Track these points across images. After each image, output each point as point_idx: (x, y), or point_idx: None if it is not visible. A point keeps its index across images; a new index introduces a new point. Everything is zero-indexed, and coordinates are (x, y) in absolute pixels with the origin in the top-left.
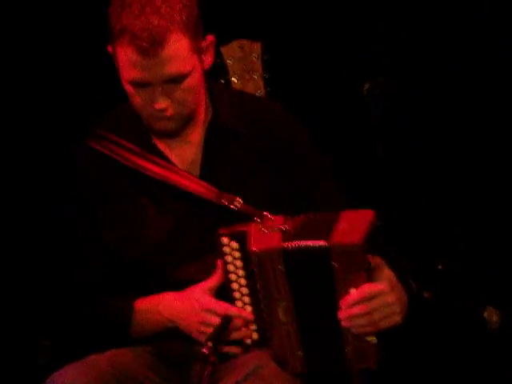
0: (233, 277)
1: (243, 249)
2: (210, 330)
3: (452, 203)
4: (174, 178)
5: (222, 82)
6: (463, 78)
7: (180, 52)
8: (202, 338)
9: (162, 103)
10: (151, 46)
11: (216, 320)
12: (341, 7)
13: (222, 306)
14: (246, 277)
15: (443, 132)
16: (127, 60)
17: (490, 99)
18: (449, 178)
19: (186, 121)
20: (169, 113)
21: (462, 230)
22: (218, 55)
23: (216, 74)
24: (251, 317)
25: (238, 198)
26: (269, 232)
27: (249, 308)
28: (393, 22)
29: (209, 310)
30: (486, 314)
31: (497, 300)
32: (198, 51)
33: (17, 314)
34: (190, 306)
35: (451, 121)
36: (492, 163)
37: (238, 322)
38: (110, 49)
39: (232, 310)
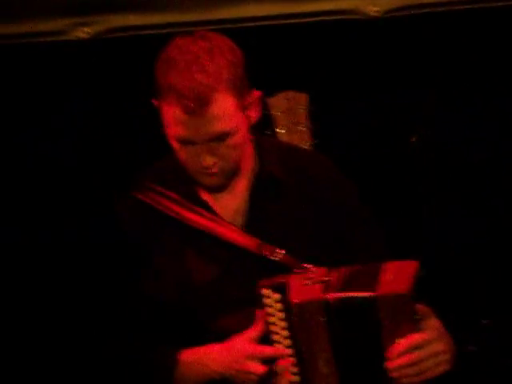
0: (274, 328)
1: (284, 300)
2: (254, 377)
3: (501, 255)
4: (217, 228)
5: (268, 133)
6: None
7: (226, 111)
8: None
9: (208, 161)
10: (197, 106)
11: (260, 367)
12: (389, 56)
13: (266, 351)
14: (288, 328)
15: (496, 183)
16: (173, 118)
17: None
18: (498, 232)
19: (232, 175)
20: (215, 169)
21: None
22: (265, 107)
23: (263, 126)
24: (292, 361)
25: (279, 250)
26: (310, 283)
27: (291, 359)
28: (441, 71)
29: (253, 357)
30: None
31: None
32: (244, 108)
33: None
34: (234, 357)
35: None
36: None
37: (280, 369)
38: (155, 103)
39: (268, 351)
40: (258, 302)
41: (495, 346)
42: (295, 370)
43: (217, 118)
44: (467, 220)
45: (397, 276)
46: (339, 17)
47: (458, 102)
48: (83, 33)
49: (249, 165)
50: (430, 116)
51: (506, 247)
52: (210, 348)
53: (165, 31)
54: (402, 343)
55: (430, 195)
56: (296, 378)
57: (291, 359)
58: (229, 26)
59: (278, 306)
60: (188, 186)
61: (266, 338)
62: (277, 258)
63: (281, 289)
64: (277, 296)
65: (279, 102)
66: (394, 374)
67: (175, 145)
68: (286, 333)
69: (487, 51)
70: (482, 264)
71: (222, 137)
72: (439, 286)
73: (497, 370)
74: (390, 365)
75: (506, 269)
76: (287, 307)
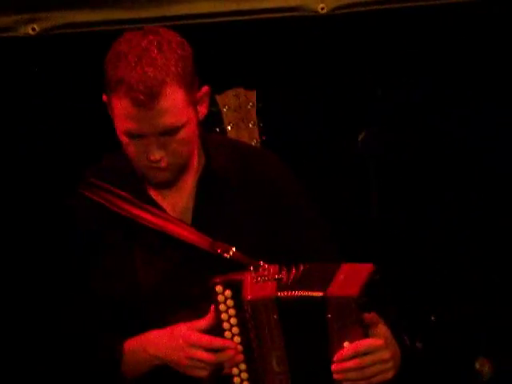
0: (226, 325)
1: (237, 298)
2: (198, 364)
3: (445, 253)
4: (167, 226)
5: (217, 130)
6: (461, 128)
7: (175, 104)
8: (194, 373)
9: (156, 155)
10: (147, 99)
11: (203, 354)
12: (337, 56)
13: (207, 340)
14: (240, 326)
15: (438, 180)
16: (122, 111)
17: (487, 146)
18: (443, 228)
19: (180, 171)
20: (163, 164)
21: (454, 280)
22: (213, 104)
23: (211, 123)
24: (238, 349)
25: (231, 247)
26: (264, 281)
27: (242, 357)
28: (388, 69)
29: (194, 345)
30: (477, 365)
31: (490, 351)
32: (193, 103)
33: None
34: (175, 342)
35: (447, 170)
36: (483, 209)
37: (229, 362)
38: (105, 98)
39: (217, 342)
40: (210, 299)
41: (442, 342)
42: (245, 366)
43: (166, 112)
44: (413, 217)
45: (350, 278)
46: (287, 14)
47: (404, 99)
48: (31, 29)
49: (196, 161)
50: (378, 113)
51: (453, 244)
52: (150, 334)
53: (112, 28)
54: (349, 347)
55: (378, 192)
56: (246, 375)
57: (242, 356)
58: (177, 23)
59: (231, 302)
60: (136, 184)
61: (218, 335)
62: (230, 256)
63: (234, 286)
64: (229, 293)
65: (228, 99)
66: (337, 377)
67: (124, 139)
68: (237, 330)
69: (433, 47)
70: (428, 260)
71: (171, 131)
72: (387, 283)
73: (443, 366)
74: (335, 367)
75: (452, 266)
76: (240, 304)
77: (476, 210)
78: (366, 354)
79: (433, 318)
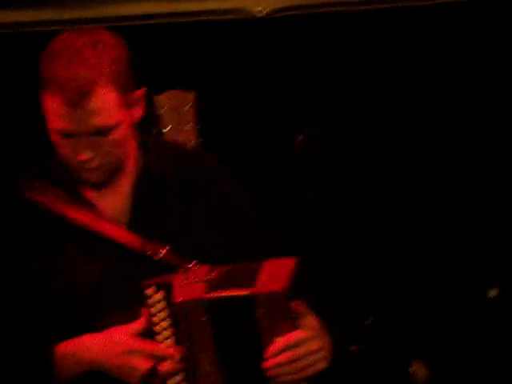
0: (158, 328)
1: (167, 300)
2: (135, 372)
3: (382, 255)
4: (99, 227)
5: (155, 132)
6: (400, 130)
7: (107, 105)
8: (130, 380)
9: (85, 155)
10: (78, 98)
11: (142, 362)
12: (275, 58)
13: (147, 347)
14: (170, 327)
15: (375, 180)
16: (54, 109)
17: (428, 147)
18: (381, 230)
19: (113, 172)
20: (94, 164)
21: (390, 283)
22: (152, 105)
23: (149, 124)
24: (175, 360)
25: (161, 248)
26: (193, 283)
27: (174, 358)
28: (327, 71)
29: (136, 352)
30: (412, 369)
31: (426, 354)
32: (128, 104)
33: None
34: (113, 348)
35: (384, 171)
36: (418, 215)
37: (164, 367)
38: (39, 97)
39: (159, 350)
40: (142, 301)
41: (377, 345)
42: (180, 368)
43: (97, 112)
44: (349, 218)
45: (274, 274)
46: (224, 16)
47: (344, 101)
48: None
49: (133, 163)
50: (316, 115)
51: (389, 247)
52: (84, 338)
53: (47, 29)
54: (279, 342)
55: (314, 193)
56: (179, 377)
57: (174, 357)
58: (113, 24)
59: (161, 305)
60: (71, 184)
61: (150, 338)
62: (160, 257)
63: (163, 288)
64: (159, 295)
65: (166, 101)
66: (272, 372)
67: (56, 138)
68: (168, 332)
69: (370, 47)
70: (364, 262)
71: (102, 131)
72: (320, 285)
73: (378, 370)
74: (268, 363)
75: (388, 268)
76: (169, 306)
77: (413, 210)
78: (296, 346)
79: (368, 321)
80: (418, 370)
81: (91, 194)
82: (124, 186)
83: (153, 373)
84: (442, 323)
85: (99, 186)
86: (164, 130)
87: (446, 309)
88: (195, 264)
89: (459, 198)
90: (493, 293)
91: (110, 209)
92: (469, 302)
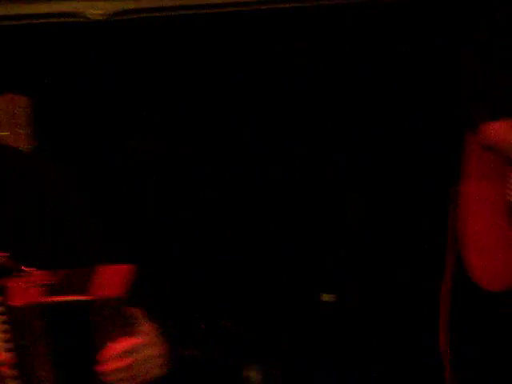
0: None
1: (2, 304)
2: None
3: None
4: None
5: None
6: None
7: None
8: None
9: None
10: None
11: None
12: (111, 60)
13: None
14: (6, 332)
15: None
16: None
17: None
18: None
19: None
20: None
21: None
22: None
23: None
24: (11, 365)
25: None
26: (29, 287)
27: (8, 367)
28: (165, 74)
29: None
30: (245, 373)
31: (259, 358)
32: None
33: None
34: None
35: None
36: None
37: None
38: None
39: None
40: None
41: (211, 349)
42: (14, 374)
43: None
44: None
45: (111, 280)
46: (60, 19)
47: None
48: None
49: None
50: (150, 120)
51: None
52: None
53: None
54: (114, 348)
55: (154, 198)
56: (13, 383)
57: (10, 363)
58: None
59: None
60: None
61: None
62: None
63: None
64: None
65: (0, 105)
66: (106, 378)
67: None
68: (4, 337)
69: (248, 54)
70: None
71: None
72: (158, 290)
73: (213, 373)
74: (102, 369)
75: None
76: (5, 311)
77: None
78: (131, 352)
79: (203, 326)
80: (252, 374)
81: None
82: None
83: None
84: (272, 327)
85: None
86: (1, 134)
87: (284, 312)
88: (32, 268)
89: None
90: (327, 297)
91: None
92: (304, 306)
